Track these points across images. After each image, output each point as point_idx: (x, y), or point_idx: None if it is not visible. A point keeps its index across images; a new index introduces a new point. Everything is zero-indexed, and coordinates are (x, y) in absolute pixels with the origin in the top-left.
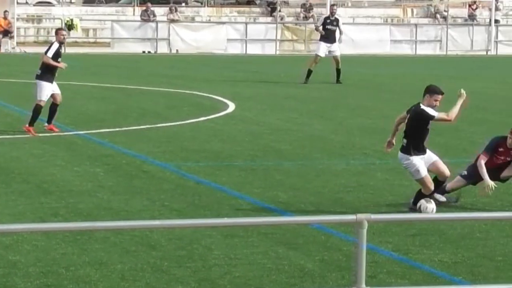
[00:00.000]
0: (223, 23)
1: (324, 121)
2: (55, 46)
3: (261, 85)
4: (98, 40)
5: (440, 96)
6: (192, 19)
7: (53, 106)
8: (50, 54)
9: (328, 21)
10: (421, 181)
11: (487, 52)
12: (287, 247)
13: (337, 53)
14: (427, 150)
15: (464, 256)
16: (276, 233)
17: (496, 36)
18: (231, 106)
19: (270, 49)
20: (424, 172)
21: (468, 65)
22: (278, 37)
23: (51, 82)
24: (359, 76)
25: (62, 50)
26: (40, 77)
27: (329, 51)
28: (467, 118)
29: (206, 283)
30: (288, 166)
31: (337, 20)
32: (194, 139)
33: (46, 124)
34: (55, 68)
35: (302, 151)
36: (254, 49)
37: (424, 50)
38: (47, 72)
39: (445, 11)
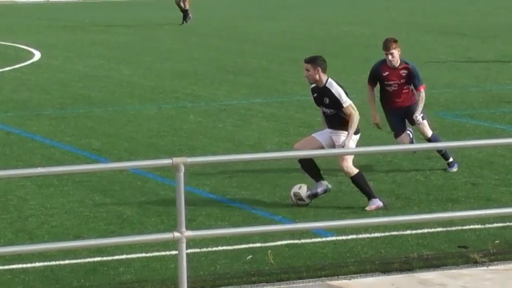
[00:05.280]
0: None
1: (132, 66)
2: None
3: (65, 32)
4: None
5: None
6: None
7: None
8: None
9: None
10: None
11: None
12: (104, 194)
13: None
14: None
15: (282, 196)
16: (91, 181)
17: None
18: (37, 55)
19: None
20: None
21: (276, 5)
22: None
23: None
24: (165, 19)
25: None
26: None
27: None
28: (277, 58)
29: (23, 233)
30: (99, 113)
31: None
32: (0, 89)
33: None
34: None
35: (112, 97)
36: None
37: None
38: None
39: None
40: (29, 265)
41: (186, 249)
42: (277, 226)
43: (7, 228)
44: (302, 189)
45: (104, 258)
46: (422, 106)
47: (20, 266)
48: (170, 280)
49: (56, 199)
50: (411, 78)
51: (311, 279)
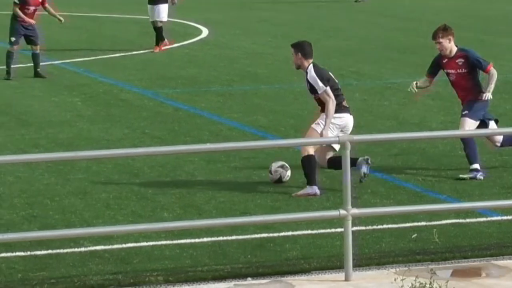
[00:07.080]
0: None
1: None
2: None
3: (232, 9)
4: None
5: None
6: None
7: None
8: None
9: None
10: None
11: None
12: None
13: None
14: None
15: (447, 174)
16: (258, 157)
17: None
18: (204, 32)
19: None
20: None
21: None
22: None
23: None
24: None
25: None
26: None
27: None
28: None
29: (191, 209)
30: (265, 90)
31: None
32: (169, 65)
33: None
34: None
35: (279, 74)
36: None
37: None
38: None
39: None
40: (197, 240)
41: (352, 226)
42: (442, 205)
43: (175, 203)
44: (288, 173)
45: (271, 235)
46: (494, 84)
47: (188, 241)
48: (335, 258)
49: (223, 175)
50: (473, 66)
51: (476, 259)
